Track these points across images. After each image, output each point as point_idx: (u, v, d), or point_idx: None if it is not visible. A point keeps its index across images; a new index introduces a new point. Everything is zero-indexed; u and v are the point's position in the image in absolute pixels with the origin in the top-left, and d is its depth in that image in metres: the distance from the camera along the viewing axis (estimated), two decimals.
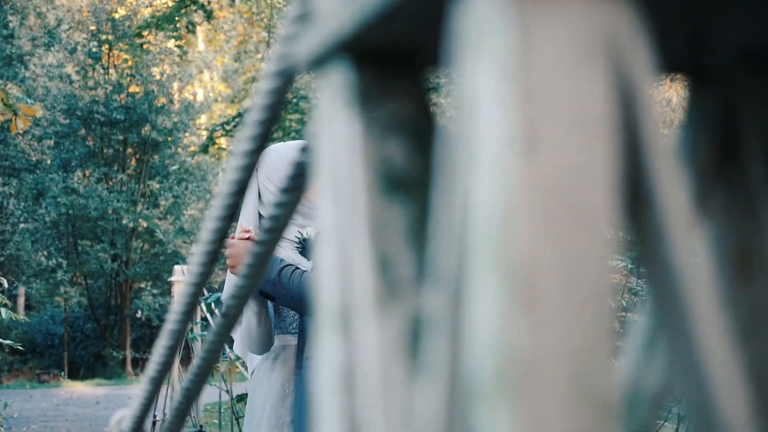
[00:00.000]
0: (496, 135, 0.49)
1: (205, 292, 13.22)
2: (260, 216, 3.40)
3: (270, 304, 3.28)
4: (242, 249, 3.05)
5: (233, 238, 3.12)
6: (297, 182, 1.16)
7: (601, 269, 0.48)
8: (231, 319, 1.43)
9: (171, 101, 27.31)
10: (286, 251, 3.32)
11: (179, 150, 28.00)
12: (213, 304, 9.28)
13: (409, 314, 0.62)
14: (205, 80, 32.97)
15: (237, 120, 16.19)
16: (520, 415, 0.47)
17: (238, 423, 9.47)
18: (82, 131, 27.40)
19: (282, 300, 3.04)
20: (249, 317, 3.19)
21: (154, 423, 13.42)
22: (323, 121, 0.68)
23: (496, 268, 0.48)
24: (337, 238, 0.66)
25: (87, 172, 27.31)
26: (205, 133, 29.61)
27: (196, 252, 1.36)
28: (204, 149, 16.65)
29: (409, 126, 0.65)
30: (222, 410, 10.16)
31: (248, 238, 3.09)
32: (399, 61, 0.66)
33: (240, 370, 9.06)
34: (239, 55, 20.91)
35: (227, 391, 8.71)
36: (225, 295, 3.07)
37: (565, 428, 0.47)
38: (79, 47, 27.24)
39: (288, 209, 1.19)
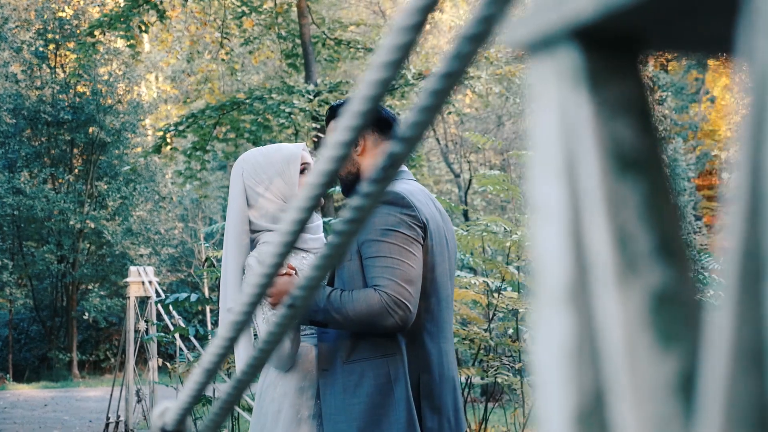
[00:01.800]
0: None
1: (162, 294, 13.10)
2: (249, 221, 3.38)
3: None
4: (283, 286, 3.07)
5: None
6: (387, 173, 1.17)
7: None
8: (297, 310, 1.43)
9: (119, 102, 27.06)
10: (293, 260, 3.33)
11: (126, 151, 27.74)
12: (171, 306, 9.23)
13: (649, 288, 0.64)
14: (151, 81, 32.68)
15: (189, 120, 16.09)
16: None
17: (195, 424, 9.40)
18: (28, 131, 27.06)
19: (335, 324, 3.02)
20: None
21: (107, 425, 13.27)
22: (548, 103, 0.70)
23: None
24: (568, 216, 0.68)
25: (33, 173, 26.97)
26: (151, 133, 29.36)
27: (275, 242, 1.36)
28: (157, 149, 16.52)
29: (635, 106, 0.68)
30: None
31: (286, 273, 3.10)
32: (622, 43, 0.68)
33: None
34: (191, 56, 20.76)
35: None
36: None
37: None
38: (24, 46, 26.88)
39: (374, 200, 1.21)
